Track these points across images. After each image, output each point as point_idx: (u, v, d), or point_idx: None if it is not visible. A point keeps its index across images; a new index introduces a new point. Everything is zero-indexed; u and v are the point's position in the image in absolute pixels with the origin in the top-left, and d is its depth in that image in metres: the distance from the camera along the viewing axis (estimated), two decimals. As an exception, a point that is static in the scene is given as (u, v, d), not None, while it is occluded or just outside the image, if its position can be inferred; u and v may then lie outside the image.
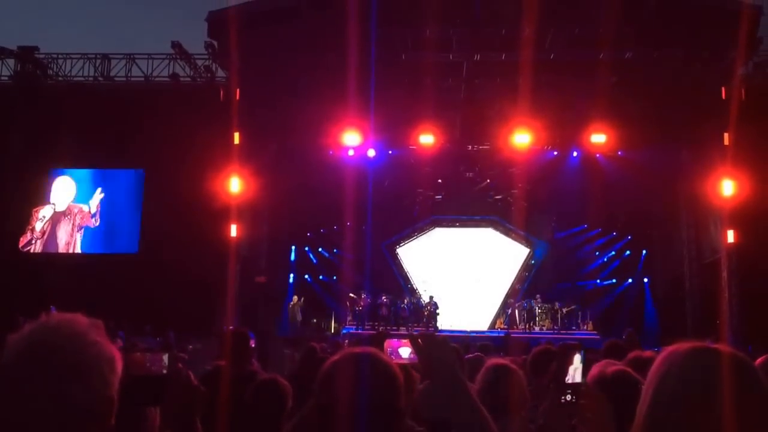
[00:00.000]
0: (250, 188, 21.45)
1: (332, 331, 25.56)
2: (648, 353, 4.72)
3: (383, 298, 25.38)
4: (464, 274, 28.05)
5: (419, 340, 2.18)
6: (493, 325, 26.74)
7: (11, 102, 22.17)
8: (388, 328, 23.76)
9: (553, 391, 3.27)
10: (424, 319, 24.81)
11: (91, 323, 1.80)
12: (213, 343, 10.58)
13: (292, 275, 27.07)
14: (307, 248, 27.58)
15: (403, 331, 23.64)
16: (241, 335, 6.11)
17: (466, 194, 27.46)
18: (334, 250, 27.84)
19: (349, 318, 25.85)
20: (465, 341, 16.14)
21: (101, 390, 1.74)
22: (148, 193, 22.08)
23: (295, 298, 24.79)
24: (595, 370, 3.23)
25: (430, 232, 29.27)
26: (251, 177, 21.51)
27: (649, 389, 1.76)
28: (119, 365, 1.81)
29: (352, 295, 25.40)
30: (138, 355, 2.46)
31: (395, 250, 29.17)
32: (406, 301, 25.88)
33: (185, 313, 18.53)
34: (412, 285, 28.40)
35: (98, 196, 22.30)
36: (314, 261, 27.67)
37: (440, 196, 27.82)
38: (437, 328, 23.83)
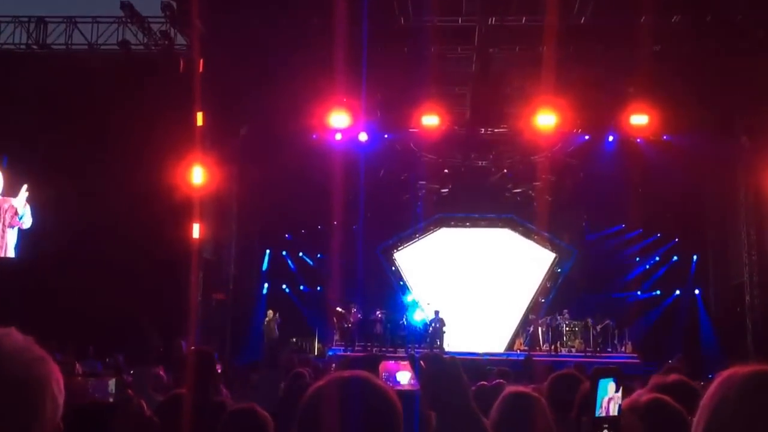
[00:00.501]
0: (215, 180, 21.49)
1: (315, 352, 25.62)
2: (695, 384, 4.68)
3: (378, 313, 25.42)
4: (476, 285, 28.14)
5: (422, 362, 2.21)
6: (511, 347, 26.92)
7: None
8: (384, 349, 23.89)
9: (585, 426, 3.25)
10: (428, 339, 24.85)
11: (26, 339, 1.77)
12: (169, 366, 10.57)
13: (266, 285, 27.14)
14: (284, 252, 27.63)
15: (401, 352, 23.71)
16: (206, 357, 6.07)
17: (478, 187, 27.60)
18: (318, 255, 27.85)
19: (336, 337, 25.93)
20: (477, 366, 16.15)
21: (52, 416, 1.70)
22: (91, 185, 21.98)
23: (270, 312, 24.79)
24: (629, 399, 3.22)
25: (434, 233, 29.34)
26: (217, 166, 21.57)
27: (701, 421, 1.76)
28: (63, 389, 1.78)
29: (339, 309, 25.48)
30: (80, 380, 2.46)
31: (392, 255, 29.25)
32: (404, 317, 25.91)
33: (137, 331, 18.54)
34: (412, 297, 28.39)
35: (25, 193, 22.01)
36: (293, 268, 27.73)
37: (447, 190, 27.95)
38: (443, 349, 23.87)
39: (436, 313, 25.39)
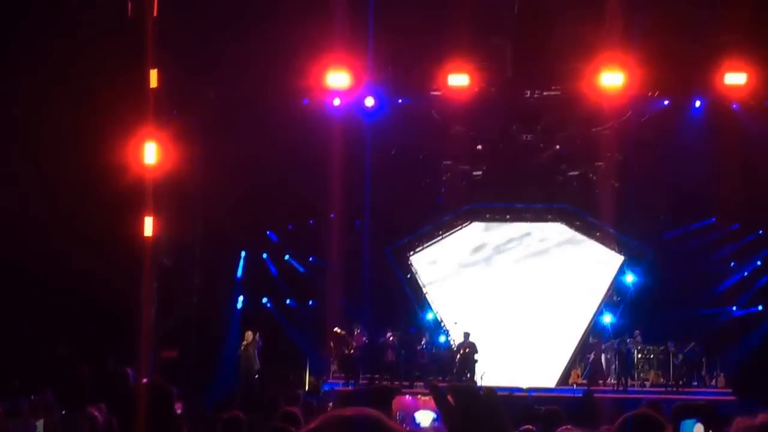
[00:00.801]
0: (174, 159, 21.50)
1: (307, 387, 25.68)
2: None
3: (389, 335, 25.46)
4: (518, 298, 28.01)
5: (450, 396, 2.19)
6: (565, 380, 26.92)
7: None
8: (397, 382, 23.83)
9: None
10: (455, 370, 24.84)
11: None
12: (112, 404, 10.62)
13: (241, 298, 27.26)
14: (265, 255, 27.67)
15: (420, 386, 23.67)
16: (161, 393, 6.07)
17: (521, 169, 27.56)
18: (310, 259, 27.78)
19: (333, 367, 25.92)
20: (521, 405, 16.13)
21: None
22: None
23: (249, 334, 24.79)
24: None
25: (463, 229, 29.23)
26: (177, 141, 21.59)
27: None
28: None
29: (338, 330, 25.43)
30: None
31: (408, 258, 29.19)
32: (424, 340, 25.95)
33: (63, 361, 18.62)
34: (434, 315, 28.44)
35: None
36: (277, 276, 27.79)
37: (480, 173, 27.86)
38: (475, 382, 23.90)
39: (466, 336, 25.31)
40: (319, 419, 2.34)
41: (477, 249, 29.24)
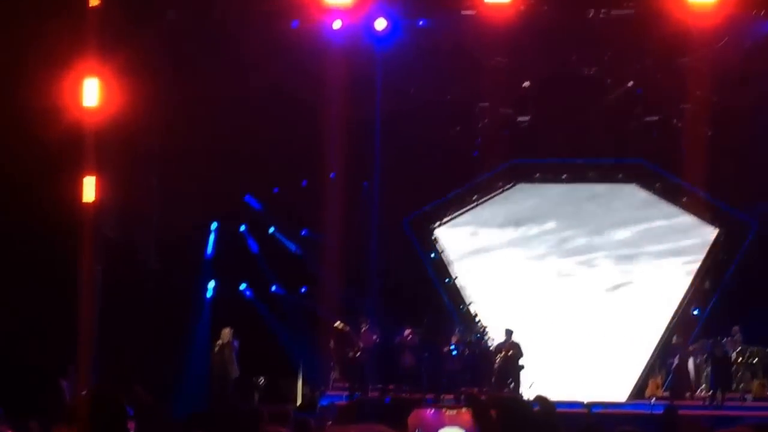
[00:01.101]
0: (123, 102, 21.47)
1: (299, 401, 25.81)
2: None
3: (407, 333, 25.65)
4: (577, 286, 28.26)
5: (493, 411, 2.16)
6: (640, 392, 26.93)
7: None
8: (419, 395, 23.97)
9: None
10: (495, 378, 25.02)
11: None
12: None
13: (211, 284, 27.37)
14: (243, 227, 27.87)
15: (449, 399, 23.75)
16: (108, 405, 6.21)
17: (582, 113, 27.55)
18: (302, 232, 27.97)
19: (334, 374, 26.20)
20: (581, 423, 16.12)
21: None
22: None
23: (226, 332, 24.87)
24: None
25: (505, 193, 29.35)
26: (126, 78, 21.59)
27: None
28: None
29: (340, 325, 25.68)
30: None
31: (431, 232, 29.34)
32: (454, 340, 26.03)
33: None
34: (465, 306, 28.64)
35: None
36: (256, 252, 27.96)
37: (527, 118, 27.96)
38: (520, 393, 23.94)
39: (509, 334, 25.45)
40: None
41: (522, 219, 29.24)
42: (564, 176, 29.29)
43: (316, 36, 23.93)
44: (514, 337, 25.33)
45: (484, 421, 2.11)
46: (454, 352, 25.79)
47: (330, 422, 16.37)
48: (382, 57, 24.62)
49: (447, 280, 29.10)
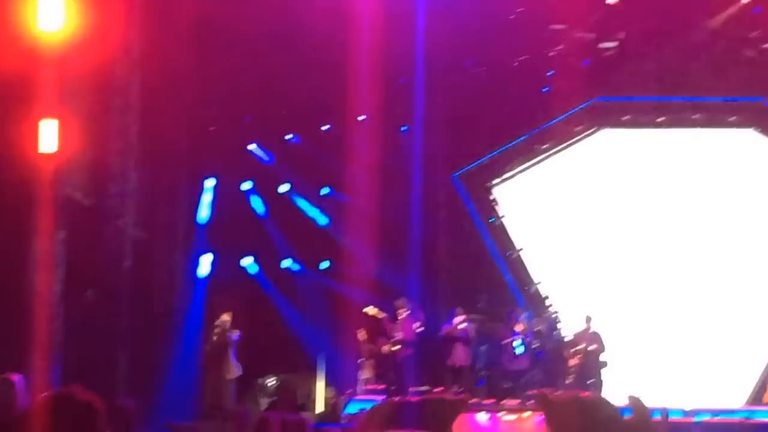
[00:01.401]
0: (91, 22, 21.52)
1: (318, 407, 26.29)
2: None
3: (459, 321, 25.90)
4: (677, 260, 28.50)
5: (569, 414, 2.46)
6: (758, 397, 27.15)
7: None
8: (476, 400, 24.24)
9: None
10: (570, 377, 25.35)
11: None
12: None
13: (206, 258, 27.66)
14: (248, 184, 28.31)
15: (510, 401, 24.17)
16: (76, 411, 6.28)
17: (682, 38, 27.63)
18: (324, 191, 28.59)
19: (364, 373, 26.57)
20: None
21: None
22: None
23: (224, 318, 24.94)
24: None
25: (584, 140, 29.91)
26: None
27: None
28: None
29: (372, 311, 26.07)
30: None
31: (489, 191, 29.89)
32: (520, 328, 26.27)
33: None
34: (532, 286, 29.23)
35: None
36: (265, 217, 28.51)
37: (614, 44, 28.19)
38: (604, 395, 24.04)
39: (588, 321, 25.78)
40: None
41: (607, 174, 29.51)
42: (660, 119, 29.41)
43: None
44: (595, 326, 25.52)
45: (559, 428, 2.31)
46: (519, 345, 26.05)
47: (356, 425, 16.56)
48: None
49: (509, 252, 29.40)
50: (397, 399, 23.93)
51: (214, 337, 24.99)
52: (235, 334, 24.99)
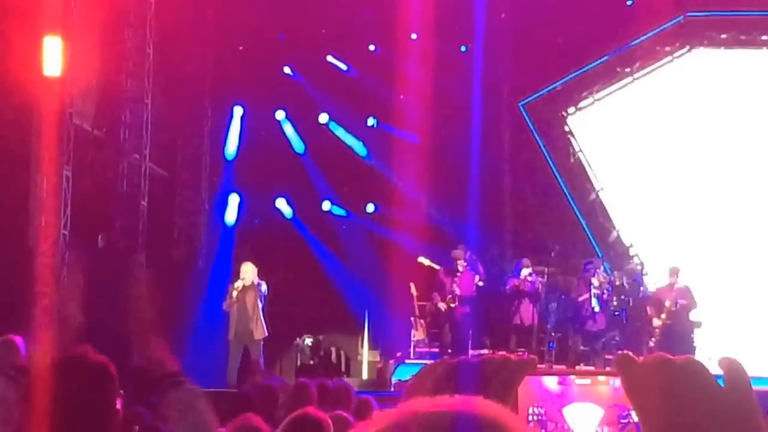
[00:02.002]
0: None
1: (363, 373, 26.56)
2: None
3: (525, 273, 25.90)
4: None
5: (654, 378, 2.47)
6: None
7: None
8: (544, 365, 24.24)
9: None
10: (655, 339, 25.09)
11: None
12: None
13: (233, 198, 27.95)
14: (281, 113, 28.42)
15: (585, 367, 24.13)
16: (88, 374, 6.36)
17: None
18: (370, 122, 28.71)
19: (416, 333, 26.64)
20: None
21: None
22: None
23: (248, 268, 24.94)
24: None
25: (674, 62, 29.69)
26: None
27: None
28: None
29: (425, 261, 26.08)
30: None
31: (563, 121, 29.86)
32: (597, 281, 25.99)
33: None
34: (613, 233, 29.15)
35: None
36: (303, 154, 28.67)
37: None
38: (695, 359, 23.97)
39: (674, 274, 25.44)
40: (384, 418, 2.39)
41: (700, 102, 29.16)
42: (764, 37, 29.18)
43: None
44: (683, 280, 25.28)
45: (641, 395, 2.04)
46: (596, 302, 25.81)
47: (405, 388, 16.35)
48: None
49: (586, 193, 29.13)
50: (452, 359, 23.82)
51: (236, 291, 24.61)
52: (264, 291, 24.60)
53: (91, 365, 6.48)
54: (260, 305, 24.53)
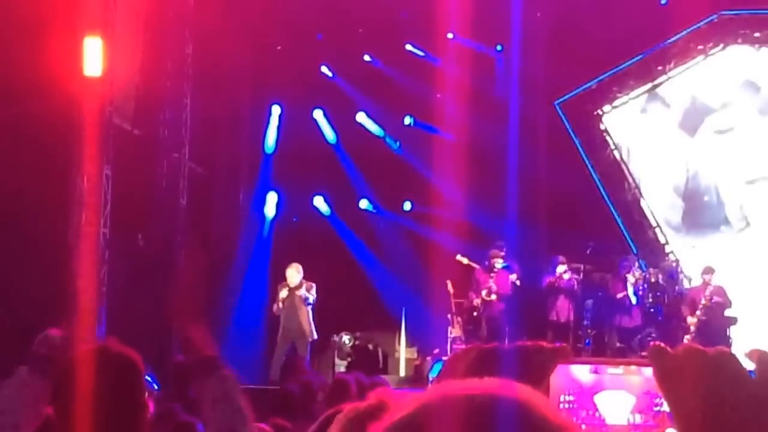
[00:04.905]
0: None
1: (401, 370, 26.54)
2: None
3: (561, 270, 25.98)
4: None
5: (686, 369, 2.54)
6: None
7: None
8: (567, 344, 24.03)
9: None
10: (690, 335, 24.99)
11: None
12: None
13: (271, 196, 27.97)
14: (319, 110, 28.33)
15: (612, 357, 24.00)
16: (120, 368, 6.37)
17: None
18: (407, 121, 28.53)
19: (453, 330, 26.54)
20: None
21: None
22: None
23: (293, 271, 24.88)
24: None
25: (708, 60, 29.43)
26: None
27: None
28: None
29: (462, 259, 26.03)
30: None
31: (598, 119, 29.68)
32: (633, 278, 26.13)
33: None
34: (650, 230, 28.99)
35: None
36: (339, 150, 28.63)
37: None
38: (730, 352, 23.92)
39: (708, 273, 25.46)
40: (416, 401, 2.37)
41: (736, 100, 29.01)
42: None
43: None
44: (716, 280, 25.26)
45: (673, 385, 2.03)
46: (633, 298, 25.90)
47: (437, 373, 16.31)
48: None
49: (622, 190, 29.04)
50: (485, 345, 23.81)
51: (282, 293, 24.58)
52: (308, 296, 24.49)
53: (114, 357, 6.50)
54: (309, 308, 24.56)
